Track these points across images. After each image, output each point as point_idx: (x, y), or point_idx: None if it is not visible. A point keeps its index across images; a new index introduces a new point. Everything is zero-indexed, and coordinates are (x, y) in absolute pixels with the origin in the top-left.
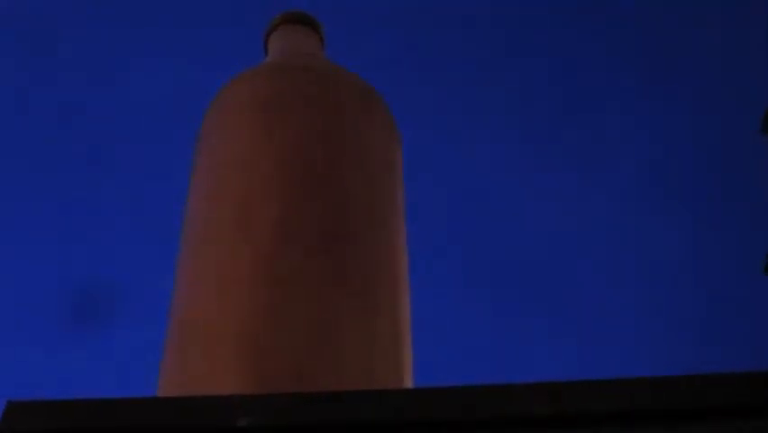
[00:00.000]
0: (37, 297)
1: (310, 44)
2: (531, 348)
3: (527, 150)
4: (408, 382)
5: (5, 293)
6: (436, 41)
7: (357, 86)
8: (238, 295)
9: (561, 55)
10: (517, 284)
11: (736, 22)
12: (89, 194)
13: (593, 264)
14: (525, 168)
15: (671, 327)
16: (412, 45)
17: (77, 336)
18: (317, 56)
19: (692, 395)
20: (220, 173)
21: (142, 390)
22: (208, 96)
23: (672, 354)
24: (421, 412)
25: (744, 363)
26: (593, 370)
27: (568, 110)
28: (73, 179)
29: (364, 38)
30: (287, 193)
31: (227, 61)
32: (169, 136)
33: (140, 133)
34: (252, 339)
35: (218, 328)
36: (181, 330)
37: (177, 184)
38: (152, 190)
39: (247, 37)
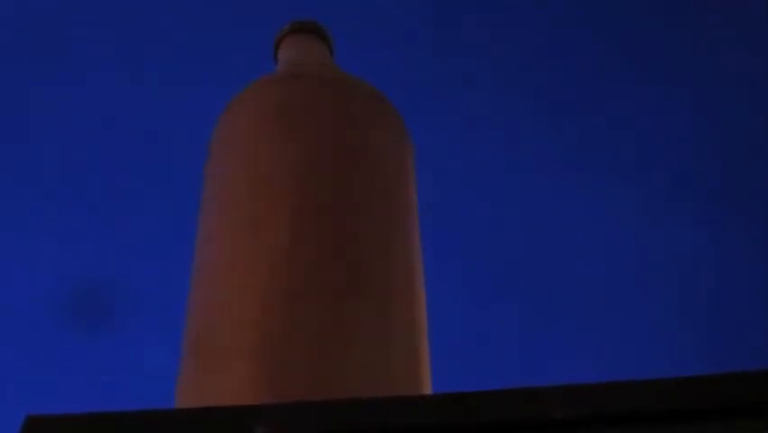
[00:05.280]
0: (37, 298)
1: (321, 53)
2: (552, 350)
3: (537, 149)
4: (427, 386)
5: (6, 295)
6: (448, 44)
7: (369, 94)
8: (253, 305)
9: (575, 55)
10: (539, 287)
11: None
12: (90, 193)
13: (612, 265)
14: (543, 170)
15: (695, 327)
16: (420, 48)
17: (77, 343)
18: (329, 64)
19: (718, 395)
20: (233, 183)
21: (148, 396)
22: (210, 99)
23: (696, 354)
24: (441, 417)
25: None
26: (614, 372)
27: (580, 109)
28: (72, 178)
29: (372, 43)
30: (301, 202)
31: (232, 65)
32: (173, 136)
33: (142, 130)
34: (269, 349)
35: (234, 339)
36: (197, 343)
37: (178, 184)
38: (153, 190)
39: (254, 41)
